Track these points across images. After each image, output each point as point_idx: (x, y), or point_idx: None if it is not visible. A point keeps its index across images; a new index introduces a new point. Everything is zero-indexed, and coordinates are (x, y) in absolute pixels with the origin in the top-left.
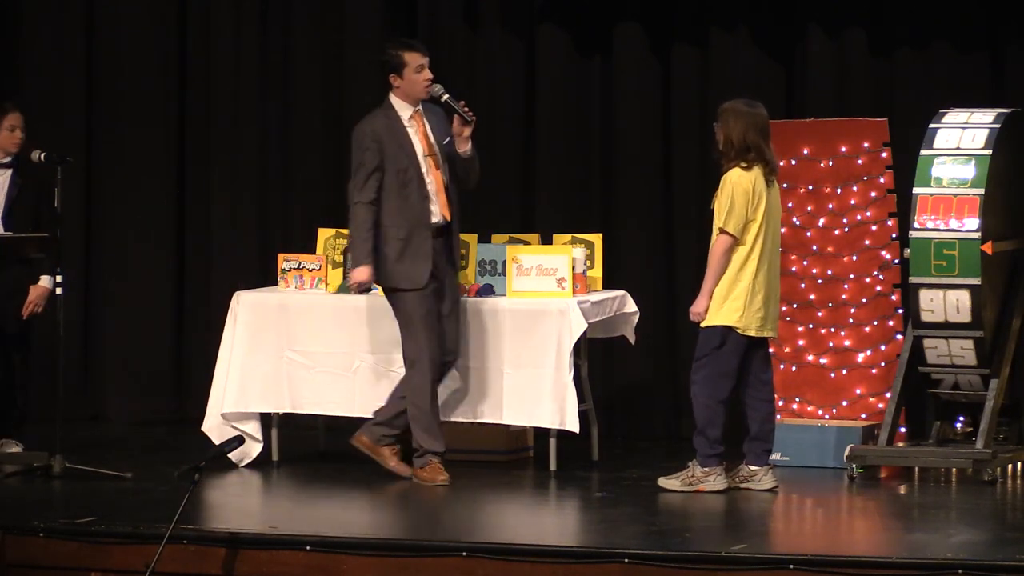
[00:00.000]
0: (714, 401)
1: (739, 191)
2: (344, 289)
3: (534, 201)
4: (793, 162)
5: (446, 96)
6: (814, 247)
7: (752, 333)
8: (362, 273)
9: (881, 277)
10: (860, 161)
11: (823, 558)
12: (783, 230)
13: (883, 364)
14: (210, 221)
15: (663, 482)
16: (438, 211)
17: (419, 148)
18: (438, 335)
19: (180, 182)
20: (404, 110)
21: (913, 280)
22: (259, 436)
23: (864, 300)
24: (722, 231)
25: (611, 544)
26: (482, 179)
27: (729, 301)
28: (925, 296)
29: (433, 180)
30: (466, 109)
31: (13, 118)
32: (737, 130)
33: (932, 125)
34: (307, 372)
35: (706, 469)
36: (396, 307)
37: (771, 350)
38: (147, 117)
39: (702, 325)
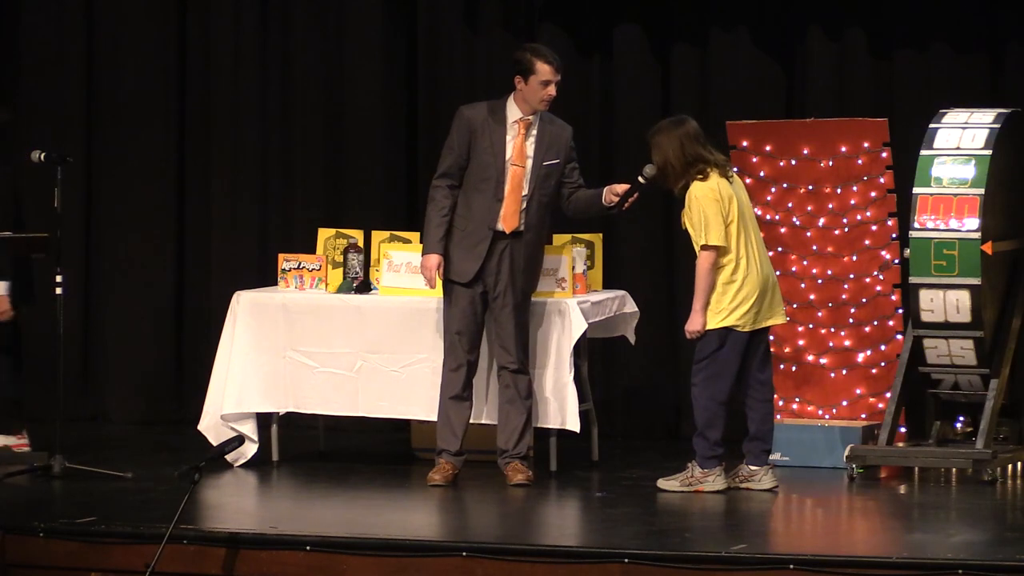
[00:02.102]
0: (715, 403)
1: (708, 203)
2: (346, 288)
3: None
4: (793, 162)
5: (644, 181)
6: (814, 247)
7: (748, 328)
8: (428, 261)
9: (881, 277)
10: (860, 161)
11: (823, 558)
12: (783, 230)
13: (883, 364)
14: (210, 221)
15: (662, 483)
16: (501, 219)
17: (508, 153)
18: (471, 336)
19: (180, 182)
20: (513, 112)
21: (913, 280)
22: (255, 437)
23: (864, 300)
24: (705, 247)
25: (611, 544)
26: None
27: (723, 305)
28: (925, 296)
29: (509, 188)
30: (626, 205)
31: None
32: (674, 149)
33: (932, 125)
34: (309, 372)
35: (705, 470)
36: (443, 296)
37: (771, 350)
38: (147, 117)
39: None
